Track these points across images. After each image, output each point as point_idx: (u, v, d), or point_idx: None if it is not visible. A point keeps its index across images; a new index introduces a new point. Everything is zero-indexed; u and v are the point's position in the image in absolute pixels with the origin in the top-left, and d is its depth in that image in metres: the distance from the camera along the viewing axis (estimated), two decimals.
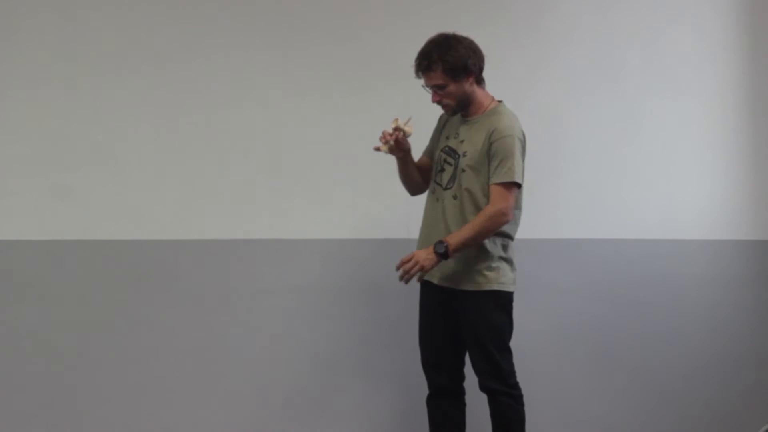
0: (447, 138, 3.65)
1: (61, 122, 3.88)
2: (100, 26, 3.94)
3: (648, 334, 4.50)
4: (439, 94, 3.53)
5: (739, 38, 4.71)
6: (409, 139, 3.59)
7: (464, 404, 3.71)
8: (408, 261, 3.45)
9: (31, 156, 3.85)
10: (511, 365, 3.59)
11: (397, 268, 3.46)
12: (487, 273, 3.52)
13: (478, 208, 3.51)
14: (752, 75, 4.72)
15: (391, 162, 3.69)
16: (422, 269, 3.44)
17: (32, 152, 3.86)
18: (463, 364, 3.69)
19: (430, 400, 3.71)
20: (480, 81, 3.59)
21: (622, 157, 4.52)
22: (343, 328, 4.15)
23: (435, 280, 3.61)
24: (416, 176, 3.70)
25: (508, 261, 3.57)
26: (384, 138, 3.55)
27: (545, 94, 4.41)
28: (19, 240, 3.84)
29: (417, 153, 3.73)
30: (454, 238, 3.44)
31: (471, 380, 3.65)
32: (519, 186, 3.50)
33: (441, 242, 3.44)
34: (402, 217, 3.78)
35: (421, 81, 3.56)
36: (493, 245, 3.53)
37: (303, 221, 4.12)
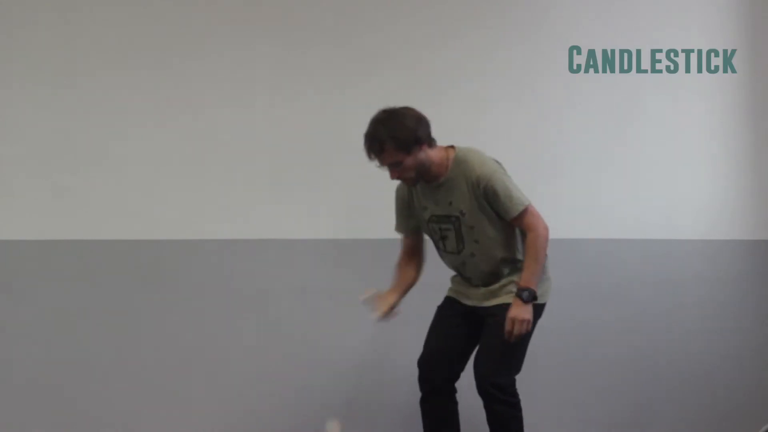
0: (425, 209, 3.54)
1: (61, 122, 3.88)
2: (100, 26, 3.94)
3: (648, 334, 4.49)
4: (396, 171, 3.40)
5: (739, 38, 4.71)
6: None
7: (456, 402, 3.70)
8: (511, 327, 3.37)
9: (31, 156, 3.85)
10: (515, 373, 3.56)
11: (509, 340, 3.40)
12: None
13: (496, 243, 3.47)
14: (752, 75, 4.71)
15: None
16: (528, 322, 3.39)
17: (32, 152, 3.86)
18: (462, 369, 3.67)
19: (424, 402, 3.69)
20: (431, 144, 3.44)
21: (622, 157, 4.52)
22: (343, 328, 4.15)
23: (469, 302, 3.58)
24: (415, 274, 3.64)
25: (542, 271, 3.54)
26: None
27: (545, 94, 4.41)
28: (19, 240, 3.83)
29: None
30: (530, 280, 3.40)
31: (468, 380, 3.64)
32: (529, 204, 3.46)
33: (522, 289, 3.39)
34: None
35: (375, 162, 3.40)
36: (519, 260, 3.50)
37: (303, 221, 4.12)
